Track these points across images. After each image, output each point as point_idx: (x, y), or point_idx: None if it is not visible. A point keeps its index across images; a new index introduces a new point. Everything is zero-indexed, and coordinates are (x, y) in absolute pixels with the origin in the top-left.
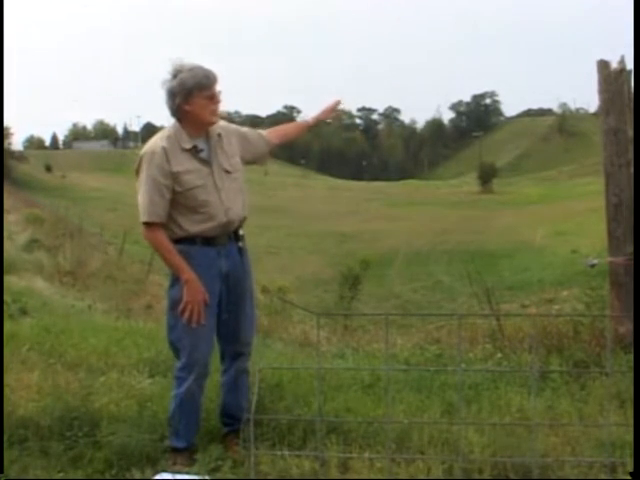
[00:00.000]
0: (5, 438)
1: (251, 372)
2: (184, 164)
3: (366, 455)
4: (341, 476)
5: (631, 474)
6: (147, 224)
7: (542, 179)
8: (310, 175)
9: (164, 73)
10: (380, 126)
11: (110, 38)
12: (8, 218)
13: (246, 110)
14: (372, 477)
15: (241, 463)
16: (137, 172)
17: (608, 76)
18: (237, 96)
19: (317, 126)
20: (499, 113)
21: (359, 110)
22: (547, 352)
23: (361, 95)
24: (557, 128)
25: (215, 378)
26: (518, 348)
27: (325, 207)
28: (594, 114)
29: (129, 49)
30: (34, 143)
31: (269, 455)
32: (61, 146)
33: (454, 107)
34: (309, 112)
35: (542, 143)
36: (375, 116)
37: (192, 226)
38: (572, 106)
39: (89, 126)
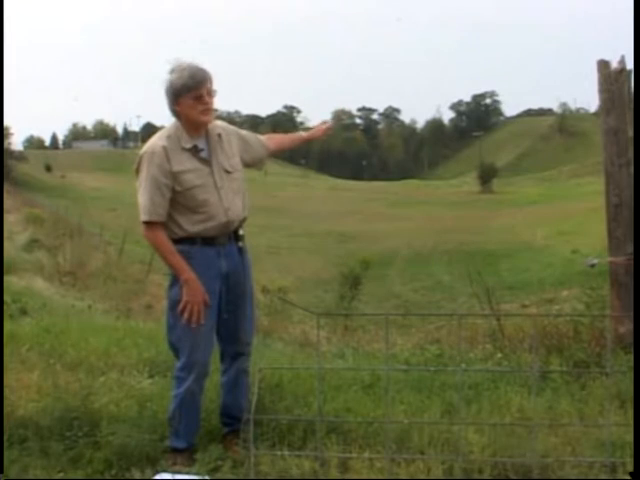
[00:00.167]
0: (5, 438)
1: (251, 372)
2: (184, 163)
3: (366, 455)
4: (341, 476)
5: (631, 474)
6: (147, 223)
7: (542, 179)
8: (310, 175)
9: (164, 73)
10: (380, 126)
11: (110, 38)
12: (8, 218)
13: (246, 110)
14: (372, 477)
15: (241, 463)
16: (137, 171)
17: (608, 76)
18: (237, 96)
19: (311, 141)
20: (499, 113)
21: (359, 110)
22: (547, 352)
23: (361, 95)
24: (557, 128)
25: (215, 378)
26: (518, 348)
27: (325, 207)
28: (594, 114)
29: (129, 49)
30: (34, 143)
31: (269, 455)
32: (61, 146)
33: (454, 107)
34: (309, 112)
35: (542, 143)
36: (375, 116)
37: (192, 226)
38: (572, 106)
39: (89, 126)
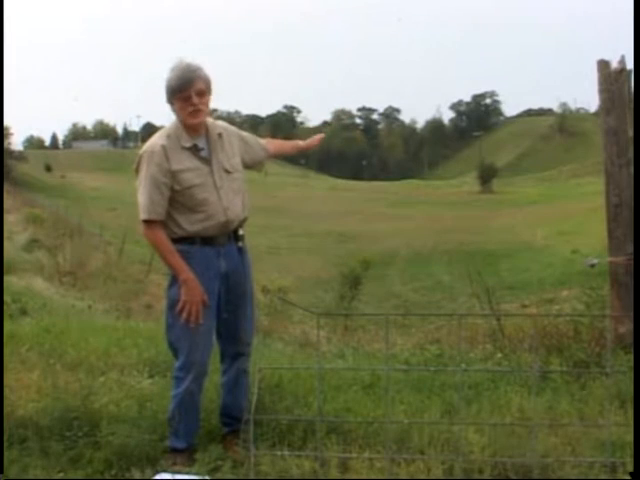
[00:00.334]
0: (5, 438)
1: (251, 372)
2: (184, 162)
3: (366, 455)
4: (341, 476)
5: (631, 474)
6: (146, 222)
7: (542, 179)
8: (310, 175)
9: (164, 72)
10: (380, 126)
11: (110, 38)
12: (8, 218)
13: (246, 110)
14: (372, 477)
15: (241, 463)
16: (137, 171)
17: (608, 76)
18: (237, 96)
19: (308, 150)
20: (499, 113)
21: (359, 110)
22: (547, 352)
23: (361, 95)
24: (557, 128)
25: (215, 378)
26: (518, 348)
27: (325, 207)
28: (594, 114)
29: (129, 49)
30: (34, 143)
31: (269, 455)
32: (61, 146)
33: (454, 107)
34: (309, 112)
35: (542, 143)
36: (375, 116)
37: (191, 225)
38: (572, 106)
39: (89, 126)
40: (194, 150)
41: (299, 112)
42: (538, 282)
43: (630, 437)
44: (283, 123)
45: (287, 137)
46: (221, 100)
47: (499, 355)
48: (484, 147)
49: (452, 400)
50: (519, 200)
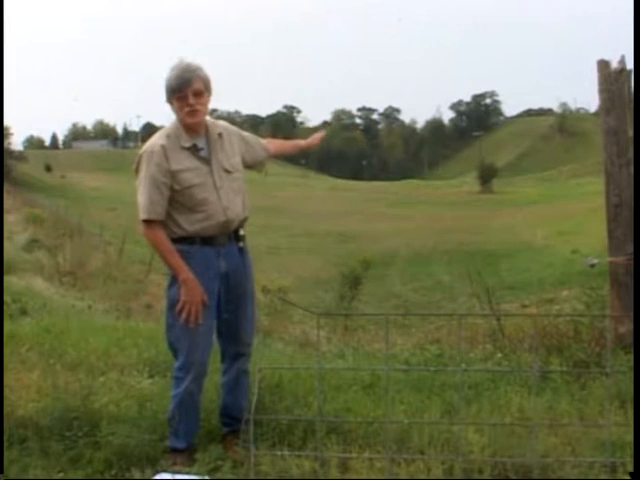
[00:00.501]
0: (5, 438)
1: (251, 372)
2: (183, 162)
3: (366, 455)
4: (341, 476)
5: (631, 474)
6: (146, 222)
7: (542, 179)
8: (310, 175)
9: (164, 72)
10: (380, 126)
11: (110, 38)
12: (8, 218)
13: (246, 110)
14: (372, 477)
15: (241, 463)
16: (136, 170)
17: (608, 76)
18: (237, 96)
19: (309, 149)
20: (499, 113)
21: (359, 110)
22: (547, 352)
23: (361, 95)
24: (557, 128)
25: (215, 378)
26: (518, 348)
27: (325, 207)
28: (594, 114)
29: (129, 49)
30: (34, 143)
31: (269, 455)
32: (61, 146)
33: (454, 107)
34: (309, 112)
35: (542, 143)
36: (375, 116)
37: (190, 225)
38: (572, 106)
39: (89, 126)
40: (193, 150)
41: (299, 112)
42: (538, 282)
43: (630, 437)
44: (283, 123)
45: (287, 137)
46: (221, 100)
47: (499, 355)
48: (484, 147)
49: (452, 400)
50: (519, 200)
